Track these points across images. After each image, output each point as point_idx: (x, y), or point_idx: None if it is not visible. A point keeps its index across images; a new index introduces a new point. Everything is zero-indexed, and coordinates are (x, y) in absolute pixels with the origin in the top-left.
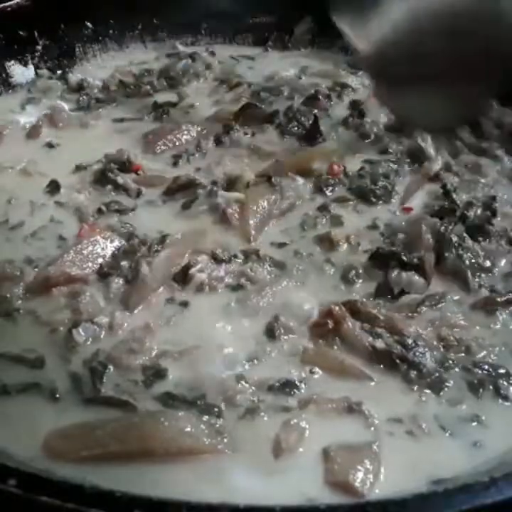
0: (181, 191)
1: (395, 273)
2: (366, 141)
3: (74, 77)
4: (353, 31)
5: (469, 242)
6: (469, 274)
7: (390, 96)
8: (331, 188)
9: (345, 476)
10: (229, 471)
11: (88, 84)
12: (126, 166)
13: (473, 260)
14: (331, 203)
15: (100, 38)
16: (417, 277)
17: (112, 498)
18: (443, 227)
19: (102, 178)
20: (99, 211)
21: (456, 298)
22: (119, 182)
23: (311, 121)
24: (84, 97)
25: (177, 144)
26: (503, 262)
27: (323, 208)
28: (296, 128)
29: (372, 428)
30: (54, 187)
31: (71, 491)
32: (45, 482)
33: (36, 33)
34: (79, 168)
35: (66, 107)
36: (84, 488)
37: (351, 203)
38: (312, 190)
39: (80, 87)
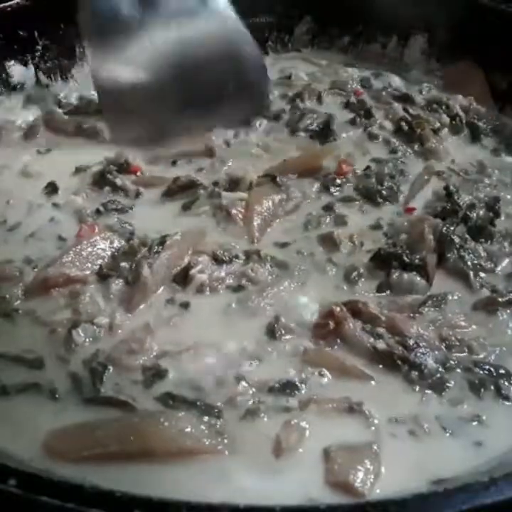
0: (182, 192)
1: (396, 274)
2: (375, 141)
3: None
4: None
5: (471, 243)
6: (471, 274)
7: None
8: (337, 188)
9: (346, 476)
10: (229, 471)
11: (84, 102)
12: (124, 167)
13: (475, 261)
14: (337, 202)
15: None
16: (418, 278)
17: (112, 498)
18: (445, 228)
19: (100, 180)
20: (98, 212)
21: (457, 298)
22: (118, 184)
23: (323, 119)
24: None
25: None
26: (505, 263)
27: (328, 208)
28: (305, 126)
29: (373, 428)
30: (52, 189)
31: (71, 491)
32: (45, 482)
33: (36, 33)
34: (78, 170)
35: (64, 110)
36: (84, 488)
37: (357, 203)
38: (319, 189)
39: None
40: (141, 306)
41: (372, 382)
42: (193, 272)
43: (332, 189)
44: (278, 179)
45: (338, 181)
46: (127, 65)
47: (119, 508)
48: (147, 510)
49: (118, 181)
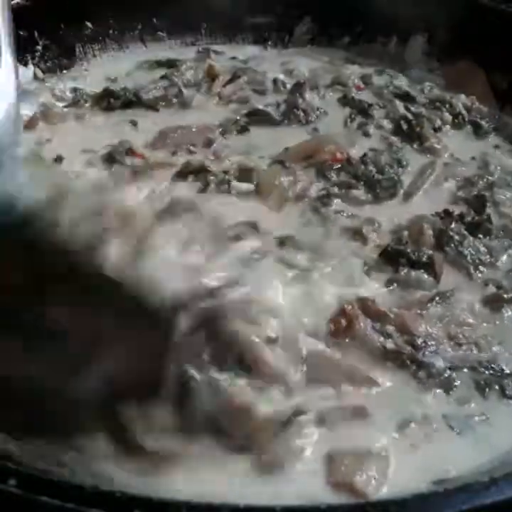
0: (193, 175)
1: (404, 270)
2: (369, 138)
3: (68, 85)
4: None
5: (470, 238)
6: (472, 269)
7: None
8: (333, 173)
9: (351, 478)
10: (230, 471)
11: (81, 94)
12: (128, 154)
13: (474, 256)
14: (335, 188)
15: (100, 38)
16: (426, 276)
17: (112, 498)
18: (443, 226)
19: (109, 160)
20: None
21: (464, 295)
22: (128, 164)
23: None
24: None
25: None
26: (505, 258)
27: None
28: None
29: (379, 428)
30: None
31: (71, 491)
32: (45, 482)
33: (36, 33)
34: (86, 151)
35: (61, 104)
36: (84, 488)
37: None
38: (317, 177)
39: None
40: None
41: (380, 381)
42: None
43: (330, 176)
44: (286, 163)
45: (335, 172)
46: None
47: (119, 508)
48: (147, 510)
49: (127, 161)
